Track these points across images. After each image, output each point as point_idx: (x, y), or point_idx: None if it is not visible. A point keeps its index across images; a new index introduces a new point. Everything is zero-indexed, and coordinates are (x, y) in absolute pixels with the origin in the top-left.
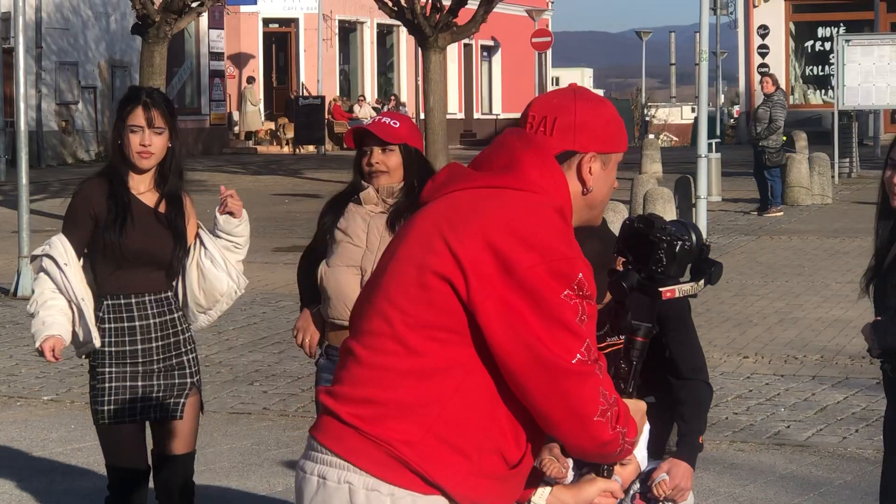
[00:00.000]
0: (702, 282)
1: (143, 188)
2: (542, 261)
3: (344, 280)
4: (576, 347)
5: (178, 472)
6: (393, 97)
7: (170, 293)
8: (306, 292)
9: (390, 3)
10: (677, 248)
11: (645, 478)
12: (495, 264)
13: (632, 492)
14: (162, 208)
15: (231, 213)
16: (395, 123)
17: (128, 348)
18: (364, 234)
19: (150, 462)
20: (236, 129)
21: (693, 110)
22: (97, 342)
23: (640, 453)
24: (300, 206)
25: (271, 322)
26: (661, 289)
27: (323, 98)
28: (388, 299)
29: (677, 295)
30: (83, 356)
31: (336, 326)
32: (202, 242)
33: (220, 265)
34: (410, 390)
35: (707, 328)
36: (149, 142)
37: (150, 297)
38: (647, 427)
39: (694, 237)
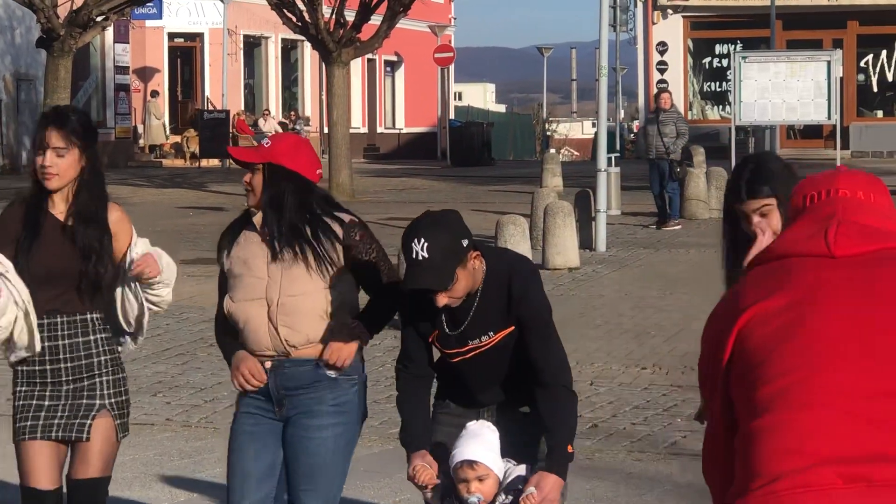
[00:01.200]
0: None
1: (62, 207)
2: None
3: (252, 313)
4: None
5: (84, 496)
6: (293, 112)
7: (91, 314)
8: (229, 347)
9: (294, 19)
10: None
11: (512, 488)
12: None
13: (498, 502)
14: (71, 223)
15: (142, 275)
16: (267, 143)
17: (36, 368)
18: (265, 265)
19: (59, 483)
20: (141, 142)
21: (593, 125)
22: (38, 346)
23: (497, 464)
24: (204, 218)
25: (175, 334)
26: None
27: (228, 112)
28: None
29: None
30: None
31: (256, 355)
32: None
33: (136, 290)
34: None
35: (606, 339)
36: (49, 163)
37: (63, 319)
38: (496, 436)
39: None
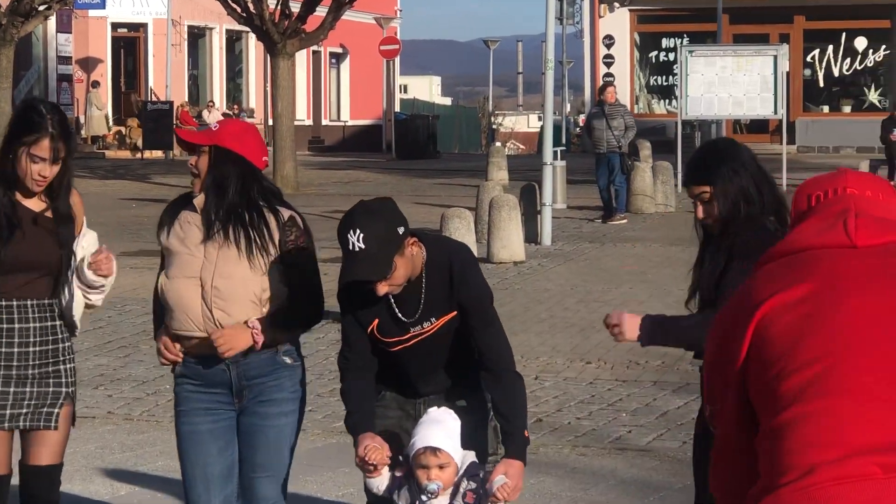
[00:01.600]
0: None
1: (29, 195)
2: None
3: (184, 292)
4: None
5: (44, 483)
6: (236, 105)
7: (52, 300)
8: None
9: (239, 10)
10: None
11: (473, 475)
12: None
13: (462, 489)
14: (48, 215)
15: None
16: (214, 127)
17: (3, 350)
18: (201, 245)
19: (11, 469)
20: (83, 132)
21: (539, 119)
22: None
23: (458, 452)
24: (147, 210)
25: (117, 326)
26: None
27: (171, 103)
28: None
29: None
30: None
31: (181, 337)
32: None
33: (69, 283)
34: None
35: (551, 334)
36: (48, 173)
37: (33, 302)
38: (458, 423)
39: None
